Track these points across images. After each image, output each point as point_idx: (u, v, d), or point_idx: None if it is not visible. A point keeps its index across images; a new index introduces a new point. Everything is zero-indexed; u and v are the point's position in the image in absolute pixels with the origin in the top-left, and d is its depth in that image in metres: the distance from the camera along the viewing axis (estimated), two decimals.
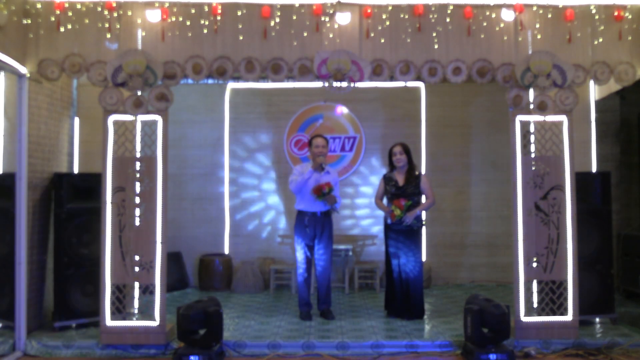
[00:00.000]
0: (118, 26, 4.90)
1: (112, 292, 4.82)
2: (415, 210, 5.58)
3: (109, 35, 4.89)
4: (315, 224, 5.71)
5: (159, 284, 4.82)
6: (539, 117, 4.93)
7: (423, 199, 5.78)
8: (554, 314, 4.90)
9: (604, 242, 5.41)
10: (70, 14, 4.85)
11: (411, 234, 5.63)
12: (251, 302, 6.58)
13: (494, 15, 4.99)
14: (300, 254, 5.77)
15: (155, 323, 4.80)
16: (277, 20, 4.93)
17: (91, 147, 6.27)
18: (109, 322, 4.80)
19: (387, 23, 4.96)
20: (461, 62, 4.94)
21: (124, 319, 4.85)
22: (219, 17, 4.90)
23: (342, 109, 7.66)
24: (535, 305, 4.96)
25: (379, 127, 7.67)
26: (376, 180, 7.42)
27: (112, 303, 4.82)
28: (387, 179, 5.80)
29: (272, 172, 7.70)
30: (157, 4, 4.90)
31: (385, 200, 5.81)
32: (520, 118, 4.96)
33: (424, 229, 5.83)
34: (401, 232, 5.63)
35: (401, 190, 5.65)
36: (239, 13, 4.92)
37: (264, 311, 6.09)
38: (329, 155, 6.07)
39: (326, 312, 5.72)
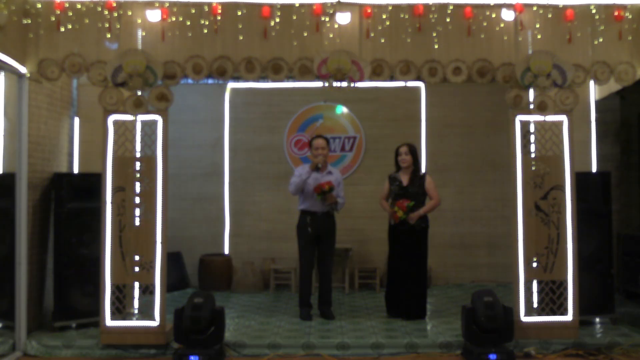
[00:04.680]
0: (118, 26, 4.90)
1: (112, 292, 4.82)
2: (419, 212, 5.57)
3: (109, 35, 4.89)
4: (318, 224, 5.70)
5: (159, 284, 4.81)
6: (539, 117, 4.93)
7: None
8: (554, 314, 4.90)
9: (604, 242, 5.41)
10: (70, 14, 4.85)
11: (415, 235, 5.62)
12: (251, 302, 6.57)
13: (494, 15, 4.99)
14: (302, 254, 5.77)
15: (155, 323, 4.80)
16: (277, 20, 4.92)
17: (91, 147, 6.27)
18: (109, 322, 4.80)
19: (387, 23, 4.96)
20: (461, 62, 4.93)
21: (124, 319, 4.85)
22: (219, 17, 4.90)
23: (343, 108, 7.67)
24: (535, 305, 4.96)
25: (379, 127, 7.67)
26: (376, 180, 7.42)
27: (112, 303, 4.81)
28: (391, 179, 5.80)
29: (272, 172, 7.69)
30: (157, 4, 4.89)
31: (390, 201, 5.81)
32: (520, 118, 4.96)
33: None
34: (405, 233, 5.62)
35: (405, 190, 5.65)
36: (239, 13, 4.91)
37: (264, 311, 6.09)
38: (330, 155, 6.07)
39: (326, 312, 5.71)
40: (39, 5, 4.84)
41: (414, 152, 5.75)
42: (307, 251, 5.74)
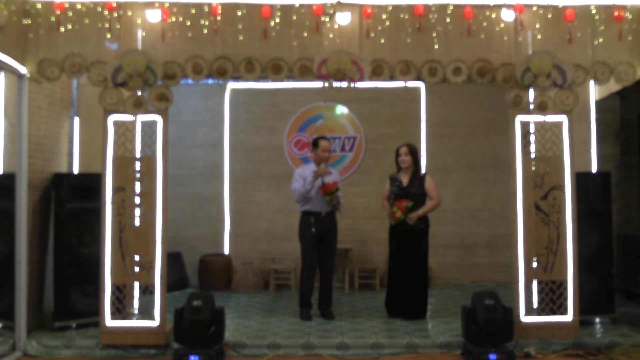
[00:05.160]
0: (118, 26, 4.89)
1: (112, 292, 4.82)
2: (418, 212, 5.57)
3: (109, 35, 4.89)
4: (321, 225, 5.70)
5: (159, 284, 4.81)
6: (539, 117, 4.93)
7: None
8: (554, 314, 4.89)
9: (604, 242, 5.41)
10: (70, 14, 4.85)
11: (415, 235, 5.61)
12: (251, 302, 6.57)
13: (494, 15, 4.98)
14: (305, 255, 5.76)
15: (155, 323, 4.80)
16: (277, 20, 4.92)
17: (91, 147, 6.27)
18: (109, 322, 4.80)
19: (387, 23, 4.95)
20: (461, 62, 4.93)
21: (124, 319, 4.85)
22: (219, 17, 4.89)
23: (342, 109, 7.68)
24: (535, 305, 4.96)
25: (379, 127, 7.67)
26: (376, 180, 7.43)
27: (112, 303, 4.81)
28: (392, 179, 5.81)
29: (272, 172, 7.69)
30: (157, 4, 4.89)
31: (391, 201, 5.80)
32: (520, 118, 4.96)
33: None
34: (405, 233, 5.61)
35: (404, 190, 5.65)
36: (239, 13, 4.91)
37: (264, 311, 6.09)
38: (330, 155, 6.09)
39: (326, 312, 5.71)
40: (39, 5, 4.84)
41: (414, 153, 5.75)
42: (311, 252, 5.73)
